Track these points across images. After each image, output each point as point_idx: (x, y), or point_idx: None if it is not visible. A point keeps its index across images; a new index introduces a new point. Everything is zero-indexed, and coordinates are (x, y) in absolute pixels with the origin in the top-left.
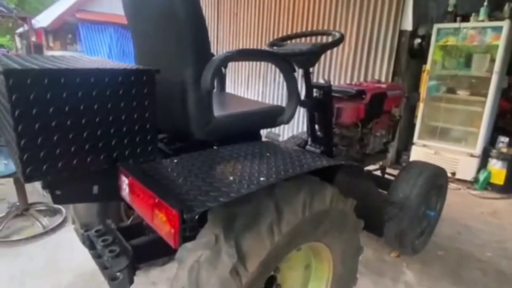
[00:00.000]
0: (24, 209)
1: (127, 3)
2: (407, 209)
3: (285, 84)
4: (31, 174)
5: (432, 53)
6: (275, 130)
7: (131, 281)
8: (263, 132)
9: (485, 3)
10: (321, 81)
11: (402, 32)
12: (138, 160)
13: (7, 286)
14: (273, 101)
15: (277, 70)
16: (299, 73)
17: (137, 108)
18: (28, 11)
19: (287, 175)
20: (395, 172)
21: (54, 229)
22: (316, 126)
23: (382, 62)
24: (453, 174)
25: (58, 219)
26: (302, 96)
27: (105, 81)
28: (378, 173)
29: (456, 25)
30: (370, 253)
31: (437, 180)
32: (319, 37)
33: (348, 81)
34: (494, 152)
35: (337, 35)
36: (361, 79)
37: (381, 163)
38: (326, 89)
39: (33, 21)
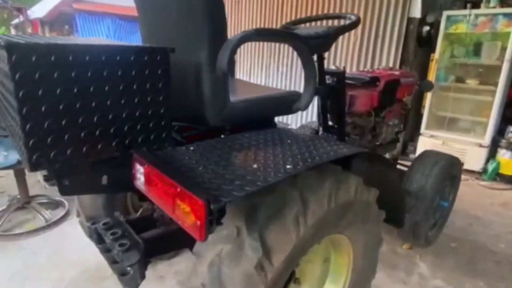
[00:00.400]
0: (25, 202)
1: None
2: (422, 199)
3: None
4: (37, 162)
5: (441, 41)
6: (282, 119)
7: (143, 276)
8: None
9: None
10: (332, 67)
11: (410, 20)
12: (151, 147)
13: (9, 281)
14: None
15: (281, 60)
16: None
17: (151, 90)
18: (24, 1)
19: (314, 163)
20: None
21: (56, 222)
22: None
23: (389, 51)
24: (461, 164)
25: (60, 212)
26: None
27: (116, 59)
28: None
29: (466, 12)
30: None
31: (451, 170)
32: (330, 22)
33: (354, 71)
34: (503, 142)
35: (353, 17)
36: (368, 68)
37: (394, 152)
38: (340, 75)
39: (28, 11)
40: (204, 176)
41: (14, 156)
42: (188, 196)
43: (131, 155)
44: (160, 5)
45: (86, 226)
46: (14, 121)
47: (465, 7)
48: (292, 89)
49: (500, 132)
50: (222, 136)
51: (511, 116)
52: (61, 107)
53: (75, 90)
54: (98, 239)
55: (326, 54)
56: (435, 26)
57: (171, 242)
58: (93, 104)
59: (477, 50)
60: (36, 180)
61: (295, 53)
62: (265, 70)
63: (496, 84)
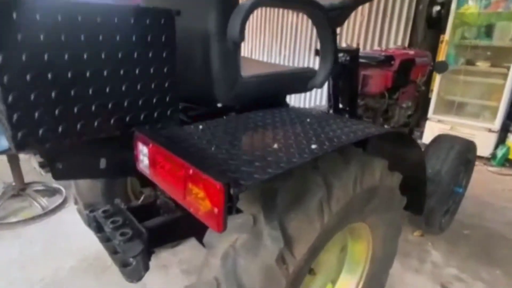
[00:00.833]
0: (20, 189)
1: None
2: (437, 185)
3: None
4: (23, 141)
5: (451, 22)
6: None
7: (147, 268)
8: None
9: None
10: (343, 45)
11: (419, 0)
12: (156, 125)
13: (6, 270)
14: None
15: (283, 42)
16: None
17: (154, 60)
18: None
19: (342, 143)
20: None
21: (53, 210)
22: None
23: (397, 32)
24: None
25: (58, 200)
26: None
27: (113, 22)
28: None
29: None
30: None
31: (467, 155)
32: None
33: (367, 50)
34: None
35: None
36: (381, 47)
37: None
38: (354, 53)
39: None
40: (218, 157)
41: (6, 141)
42: (203, 179)
43: (132, 135)
44: None
45: (85, 213)
46: None
47: None
48: None
49: (509, 117)
50: (236, 114)
51: None
52: (49, 75)
53: (66, 57)
54: (97, 228)
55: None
56: (446, 6)
57: (177, 230)
58: (88, 74)
59: (489, 31)
60: (31, 167)
61: (298, 35)
62: (267, 53)
63: (508, 67)
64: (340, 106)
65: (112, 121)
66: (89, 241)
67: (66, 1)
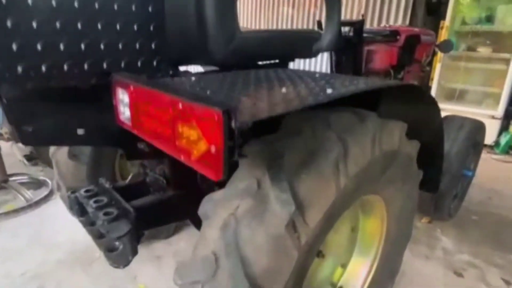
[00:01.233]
0: (2, 180)
1: None
2: (447, 167)
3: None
4: None
5: (452, 7)
6: None
7: (135, 251)
8: None
9: None
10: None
11: None
12: (139, 76)
13: None
14: None
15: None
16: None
17: None
18: None
19: (360, 89)
20: None
21: (38, 203)
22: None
23: (396, 19)
24: None
25: (43, 192)
26: None
27: None
28: None
29: None
30: None
31: (476, 136)
32: None
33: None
34: None
35: None
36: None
37: None
38: (358, 25)
39: None
40: (214, 99)
41: None
42: (196, 112)
43: (112, 86)
44: None
45: (66, 196)
46: None
47: None
48: None
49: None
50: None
51: None
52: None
53: None
54: (80, 211)
55: None
56: None
57: (168, 211)
58: (53, 3)
59: (490, 15)
60: (16, 160)
61: (294, 27)
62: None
63: (511, 52)
64: None
65: (86, 65)
66: (77, 234)
67: None
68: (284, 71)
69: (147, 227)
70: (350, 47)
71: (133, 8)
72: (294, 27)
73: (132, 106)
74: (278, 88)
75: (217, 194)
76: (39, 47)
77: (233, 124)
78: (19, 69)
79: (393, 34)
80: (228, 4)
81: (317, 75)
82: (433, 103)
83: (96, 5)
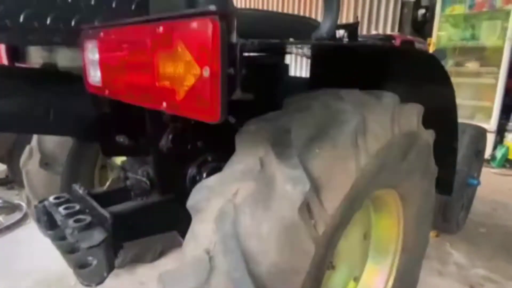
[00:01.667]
0: None
1: None
2: None
3: None
4: None
5: (437, 24)
6: None
7: (111, 266)
8: None
9: None
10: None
11: (404, 3)
12: None
13: None
14: None
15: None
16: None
17: None
18: None
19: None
20: None
21: (10, 227)
22: None
23: None
24: None
25: (17, 216)
26: None
27: None
28: None
29: None
30: None
31: (480, 141)
32: None
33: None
34: (510, 125)
35: None
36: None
37: None
38: (352, 28)
39: None
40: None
41: None
42: (183, 27)
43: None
44: None
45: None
46: None
47: None
48: None
49: (505, 116)
50: None
51: (510, 103)
52: None
53: None
54: (49, 222)
55: None
56: (431, 9)
57: (152, 219)
58: None
59: (476, 31)
60: None
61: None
62: None
63: (498, 65)
64: None
65: (48, 19)
66: (51, 260)
67: None
68: None
69: (126, 238)
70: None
71: None
72: None
73: (103, 59)
74: None
75: (211, 180)
76: None
77: (233, 38)
78: None
79: (388, 38)
80: None
81: None
82: (447, 82)
83: None
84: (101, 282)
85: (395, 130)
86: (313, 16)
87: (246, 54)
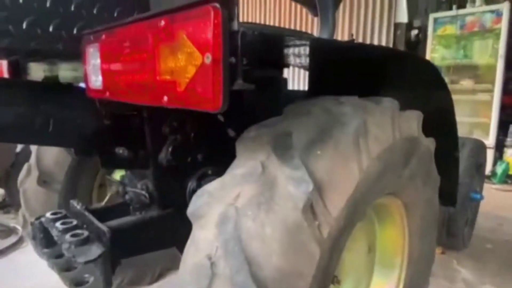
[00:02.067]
0: None
1: None
2: None
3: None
4: None
5: (430, 44)
6: None
7: (108, 283)
8: None
9: None
10: None
11: (397, 25)
12: None
13: None
14: None
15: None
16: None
17: None
18: None
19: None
20: None
21: (4, 251)
22: None
23: None
24: None
25: (12, 240)
26: None
27: None
28: None
29: (453, 13)
30: None
31: (479, 155)
32: None
33: None
34: (509, 141)
35: None
36: None
37: None
38: None
39: None
40: None
41: None
42: (184, 18)
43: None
44: None
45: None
46: None
47: (450, 9)
48: None
49: (502, 132)
50: None
51: (507, 119)
52: None
53: None
54: (45, 240)
55: None
56: (423, 30)
57: (151, 235)
58: None
59: (468, 50)
60: None
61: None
62: None
63: (492, 82)
64: None
65: (51, 26)
66: (47, 283)
67: None
68: None
69: (124, 254)
70: None
71: None
72: None
73: (104, 61)
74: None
75: (211, 185)
76: None
77: (234, 25)
78: None
79: None
80: None
81: None
82: (444, 88)
83: None
84: None
85: (396, 134)
86: (309, 31)
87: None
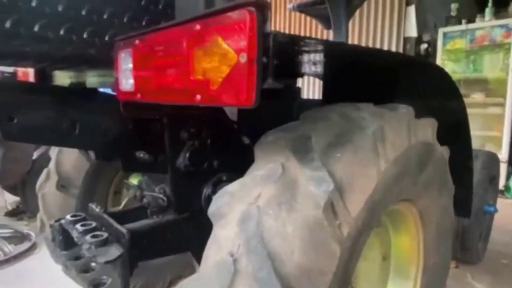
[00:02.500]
0: None
1: None
2: None
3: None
4: None
5: (440, 59)
6: None
7: (126, 285)
8: None
9: (490, 4)
10: None
11: (406, 39)
12: None
13: None
14: None
15: None
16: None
17: None
18: None
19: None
20: None
21: (17, 257)
22: None
23: None
24: None
25: (25, 246)
26: None
27: None
28: None
29: (463, 27)
30: None
31: (493, 167)
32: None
33: None
34: None
35: None
36: None
37: None
38: None
39: None
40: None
41: None
42: (220, 21)
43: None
44: None
45: (49, 227)
46: None
47: (459, 23)
48: None
49: None
50: None
51: None
52: None
53: None
54: (64, 242)
55: (315, 80)
56: (432, 44)
57: (167, 238)
58: None
59: (478, 63)
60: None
61: None
62: None
63: (503, 96)
64: None
65: (84, 34)
66: None
67: None
68: None
69: (142, 257)
70: None
71: None
72: None
73: (136, 65)
74: None
75: (232, 186)
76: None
77: (267, 28)
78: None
79: None
80: None
81: None
82: (457, 96)
83: None
84: None
85: (411, 140)
86: None
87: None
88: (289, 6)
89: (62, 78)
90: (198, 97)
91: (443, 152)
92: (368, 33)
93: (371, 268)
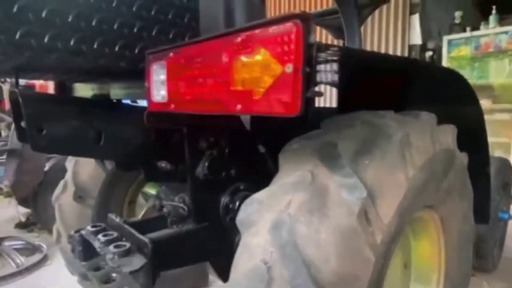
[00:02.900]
0: None
1: None
2: None
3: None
4: None
5: (445, 65)
6: None
7: None
8: None
9: (494, 11)
10: None
11: (411, 47)
12: None
13: None
14: None
15: None
16: None
17: None
18: None
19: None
20: None
21: (30, 269)
22: None
23: None
24: None
25: (37, 258)
26: None
27: None
28: None
29: (467, 34)
30: None
31: (506, 173)
32: None
33: None
34: None
35: None
36: None
37: None
38: None
39: None
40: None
41: None
42: (264, 33)
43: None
44: None
45: (68, 239)
46: None
47: (463, 31)
48: None
49: None
50: None
51: None
52: None
53: None
54: (84, 253)
55: (321, 89)
56: (437, 51)
57: (188, 248)
58: None
59: (483, 70)
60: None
61: None
62: None
63: (511, 102)
64: None
65: (116, 47)
66: None
67: None
68: None
69: (164, 267)
70: None
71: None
72: None
73: (170, 76)
74: None
75: (260, 194)
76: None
77: (312, 39)
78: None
79: None
80: (257, 7)
81: None
82: (474, 101)
83: None
84: None
85: (436, 147)
86: None
87: None
88: None
89: (83, 90)
90: (239, 106)
91: (463, 158)
92: (373, 41)
93: (393, 276)
